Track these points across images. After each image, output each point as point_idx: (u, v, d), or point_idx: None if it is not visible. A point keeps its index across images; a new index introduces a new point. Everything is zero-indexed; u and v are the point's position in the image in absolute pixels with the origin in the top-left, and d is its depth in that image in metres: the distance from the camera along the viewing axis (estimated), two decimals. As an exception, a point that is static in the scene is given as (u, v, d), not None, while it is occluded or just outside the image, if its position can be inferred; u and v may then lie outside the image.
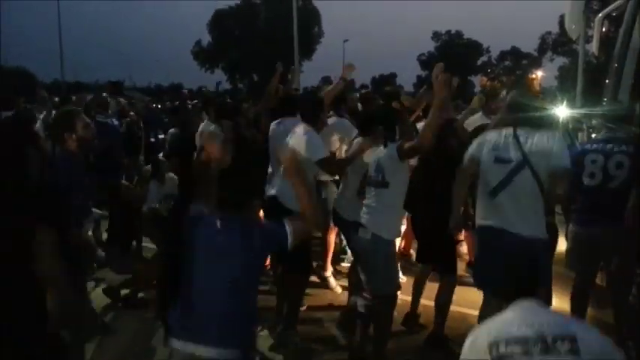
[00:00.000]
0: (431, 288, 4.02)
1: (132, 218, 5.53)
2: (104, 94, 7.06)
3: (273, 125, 4.58)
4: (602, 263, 3.75)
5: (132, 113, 8.19)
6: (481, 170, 3.24)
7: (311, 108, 4.03)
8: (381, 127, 3.47)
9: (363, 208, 3.49)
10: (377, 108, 4.46)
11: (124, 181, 5.97)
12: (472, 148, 3.29)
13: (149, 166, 5.65)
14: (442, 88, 3.15)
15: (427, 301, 4.07)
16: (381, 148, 3.44)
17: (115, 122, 6.57)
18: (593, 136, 3.51)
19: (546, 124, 3.39)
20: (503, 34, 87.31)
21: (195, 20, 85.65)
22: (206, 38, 42.85)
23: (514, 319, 1.92)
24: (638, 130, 3.51)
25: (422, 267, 4.16)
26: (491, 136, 3.25)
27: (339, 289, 4.94)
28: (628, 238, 3.29)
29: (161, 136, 9.22)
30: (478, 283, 3.33)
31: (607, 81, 4.39)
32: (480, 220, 3.25)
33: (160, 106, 14.33)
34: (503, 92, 5.10)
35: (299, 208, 3.53)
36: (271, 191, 4.02)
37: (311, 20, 39.27)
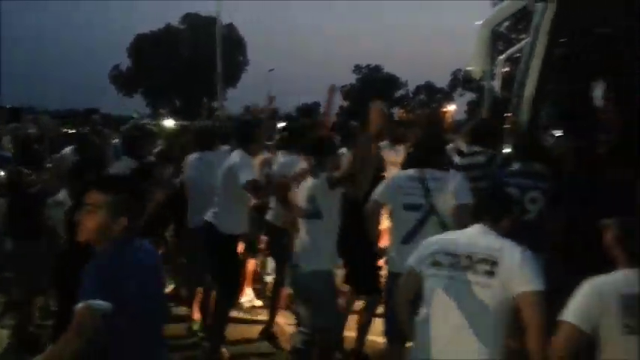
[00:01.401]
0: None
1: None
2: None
3: (192, 158, 4.65)
4: None
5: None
6: (391, 214, 3.33)
7: (241, 135, 4.09)
8: (312, 158, 3.49)
9: (298, 242, 3.47)
10: (307, 139, 4.52)
11: None
12: (378, 192, 3.33)
13: None
14: (376, 119, 3.21)
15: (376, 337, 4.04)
16: (312, 178, 3.44)
17: (7, 154, 5.94)
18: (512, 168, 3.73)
19: (449, 163, 3.64)
20: (418, 70, 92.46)
21: (113, 44, 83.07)
22: (125, 62, 41.60)
23: (462, 237, 2.40)
24: (550, 165, 3.69)
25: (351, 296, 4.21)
26: (397, 179, 3.34)
27: (258, 302, 5.11)
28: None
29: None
30: (388, 332, 3.30)
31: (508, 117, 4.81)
32: (392, 268, 3.27)
33: (68, 131, 13.62)
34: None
35: (234, 232, 3.63)
36: (207, 217, 4.04)
37: (236, 49, 39.36)
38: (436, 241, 2.47)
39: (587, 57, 4.98)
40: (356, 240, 3.77)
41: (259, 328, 4.59)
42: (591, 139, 4.26)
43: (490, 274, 2.20)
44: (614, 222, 2.22)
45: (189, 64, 37.43)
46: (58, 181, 4.33)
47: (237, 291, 4.19)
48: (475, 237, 2.36)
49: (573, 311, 2.04)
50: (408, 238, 3.15)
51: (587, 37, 4.31)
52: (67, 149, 6.23)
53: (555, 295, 2.21)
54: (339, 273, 4.25)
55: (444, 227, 3.03)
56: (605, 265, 2.20)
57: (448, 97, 45.96)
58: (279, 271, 4.62)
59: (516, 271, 2.17)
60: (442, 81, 46.52)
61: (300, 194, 3.49)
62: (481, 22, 4.05)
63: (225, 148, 4.83)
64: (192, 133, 5.20)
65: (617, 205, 3.25)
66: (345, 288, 4.17)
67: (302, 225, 3.46)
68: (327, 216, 3.35)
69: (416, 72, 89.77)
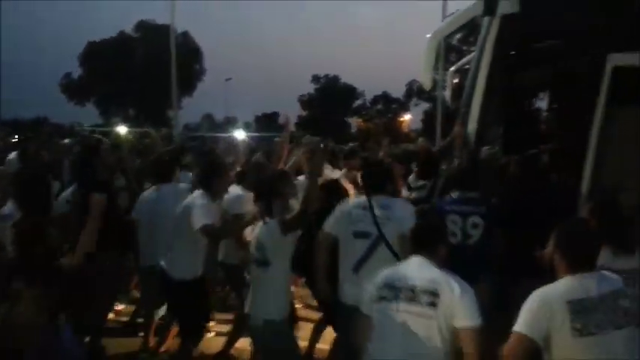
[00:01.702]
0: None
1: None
2: None
3: (148, 193, 4.46)
4: None
5: None
6: (341, 244, 3.30)
7: (205, 175, 3.87)
8: (260, 202, 3.28)
9: (250, 289, 3.34)
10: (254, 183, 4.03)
11: None
12: (328, 224, 3.33)
13: None
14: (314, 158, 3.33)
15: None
16: (260, 224, 3.27)
17: None
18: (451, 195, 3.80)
19: (394, 189, 3.63)
20: (375, 80, 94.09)
21: (64, 51, 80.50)
22: (77, 70, 40.26)
23: (403, 269, 2.49)
24: (487, 191, 3.82)
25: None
26: (346, 208, 3.35)
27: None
28: None
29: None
30: None
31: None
32: (344, 298, 3.24)
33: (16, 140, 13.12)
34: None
35: (185, 278, 3.64)
36: (161, 262, 3.88)
37: (192, 57, 38.82)
38: (380, 276, 2.54)
39: (531, 70, 5.13)
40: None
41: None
42: (534, 148, 4.38)
43: (432, 305, 2.30)
44: (553, 232, 2.29)
45: (144, 72, 36.60)
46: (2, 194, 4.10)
47: (200, 332, 4.02)
48: (416, 269, 2.44)
49: (524, 322, 2.13)
50: (358, 266, 3.17)
51: (531, 51, 4.42)
52: (11, 155, 5.93)
53: (505, 311, 2.29)
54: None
55: (394, 255, 3.06)
56: (548, 274, 2.27)
57: (404, 106, 46.94)
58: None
59: (456, 306, 2.28)
60: (398, 91, 47.29)
61: (250, 240, 3.35)
62: (430, 34, 4.10)
63: (185, 184, 4.62)
64: (150, 162, 4.97)
65: (560, 211, 3.38)
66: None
67: (252, 270, 3.34)
68: (276, 263, 3.15)
69: (372, 82, 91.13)
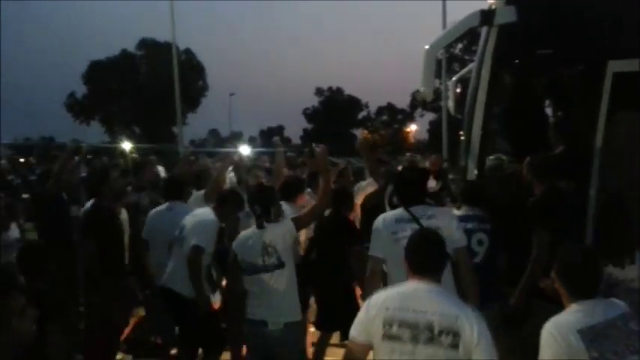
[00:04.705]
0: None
1: None
2: None
3: (160, 209, 4.46)
4: None
5: None
6: (390, 264, 2.99)
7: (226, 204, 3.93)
8: (257, 207, 3.30)
9: (256, 301, 3.27)
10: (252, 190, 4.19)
11: None
12: (375, 248, 3.01)
13: None
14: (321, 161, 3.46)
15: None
16: (255, 230, 3.29)
17: None
18: (455, 212, 3.77)
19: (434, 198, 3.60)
20: (379, 91, 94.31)
21: (67, 71, 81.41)
22: (81, 89, 40.63)
23: (411, 300, 2.12)
24: (490, 208, 3.79)
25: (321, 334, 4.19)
26: (387, 225, 3.01)
27: None
28: None
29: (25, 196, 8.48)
30: None
31: (462, 138, 4.89)
32: None
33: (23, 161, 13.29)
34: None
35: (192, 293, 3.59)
36: (162, 281, 3.89)
37: (195, 74, 39.14)
38: (382, 306, 2.17)
39: (532, 78, 5.12)
40: (327, 271, 3.85)
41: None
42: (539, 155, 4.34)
43: (454, 346, 2.06)
44: (557, 257, 2.25)
45: (148, 89, 36.91)
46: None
47: (223, 343, 4.02)
48: (426, 299, 2.13)
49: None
50: None
51: (531, 59, 4.42)
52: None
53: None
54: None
55: (452, 270, 2.84)
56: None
57: (409, 117, 46.94)
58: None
59: (477, 343, 2.07)
60: (403, 101, 47.30)
61: (251, 249, 3.29)
62: (428, 45, 4.09)
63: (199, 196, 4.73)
64: (164, 181, 5.13)
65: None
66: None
67: (261, 278, 3.25)
68: (288, 264, 3.25)
69: (377, 93, 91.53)
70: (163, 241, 4.27)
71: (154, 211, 4.56)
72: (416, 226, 2.83)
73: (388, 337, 2.09)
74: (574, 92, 4.64)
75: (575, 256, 2.21)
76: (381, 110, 49.37)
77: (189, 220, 3.83)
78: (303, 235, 4.23)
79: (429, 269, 2.21)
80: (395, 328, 2.09)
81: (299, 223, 3.31)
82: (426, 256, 2.24)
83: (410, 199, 3.07)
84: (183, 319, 3.88)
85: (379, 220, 3.07)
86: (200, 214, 3.87)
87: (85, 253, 4.28)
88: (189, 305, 3.75)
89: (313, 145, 4.81)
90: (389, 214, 3.11)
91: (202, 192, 4.83)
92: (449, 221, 3.00)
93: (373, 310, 2.17)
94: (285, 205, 3.95)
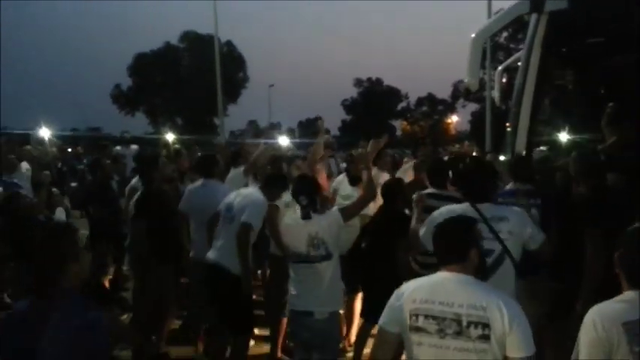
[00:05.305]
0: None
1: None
2: (11, 156, 6.56)
3: (194, 186, 4.58)
4: None
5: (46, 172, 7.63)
6: None
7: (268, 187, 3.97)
8: (302, 198, 3.28)
9: (300, 290, 3.28)
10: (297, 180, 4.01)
11: None
12: (425, 238, 2.83)
13: None
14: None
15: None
16: (299, 220, 3.28)
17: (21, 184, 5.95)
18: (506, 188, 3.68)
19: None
20: (419, 81, 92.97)
21: (113, 63, 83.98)
22: (126, 81, 41.86)
23: (438, 291, 2.07)
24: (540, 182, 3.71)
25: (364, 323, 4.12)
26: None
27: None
28: None
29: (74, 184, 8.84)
30: None
31: (508, 128, 4.79)
32: None
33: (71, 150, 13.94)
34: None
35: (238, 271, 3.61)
36: (210, 257, 3.89)
37: (236, 66, 39.61)
38: (409, 297, 2.13)
39: (581, 66, 4.94)
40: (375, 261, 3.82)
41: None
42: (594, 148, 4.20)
43: (485, 337, 1.99)
44: (618, 241, 2.14)
45: (190, 81, 37.65)
46: None
47: (251, 327, 4.07)
48: (454, 289, 2.06)
49: (586, 350, 1.96)
50: None
51: (581, 47, 4.27)
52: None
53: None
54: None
55: (515, 269, 2.76)
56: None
57: (450, 108, 46.02)
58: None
59: (509, 334, 1.99)
60: (444, 92, 46.40)
61: (295, 239, 3.31)
62: (474, 34, 4.01)
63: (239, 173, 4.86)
64: (195, 160, 5.20)
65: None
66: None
67: (309, 268, 3.26)
68: (335, 255, 3.29)
69: (416, 84, 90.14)
70: (196, 217, 4.41)
71: (189, 187, 4.73)
72: (487, 228, 2.69)
73: (415, 329, 2.08)
74: (626, 82, 4.46)
75: (636, 243, 2.06)
76: (421, 101, 48.59)
77: (237, 200, 3.87)
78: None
79: (453, 259, 2.12)
80: (421, 321, 2.07)
81: (346, 214, 3.33)
82: (446, 247, 2.17)
83: (477, 196, 2.86)
84: (224, 296, 3.87)
85: (435, 216, 2.87)
86: (249, 193, 3.91)
87: (135, 237, 4.44)
88: (234, 282, 3.75)
89: (319, 122, 5.02)
90: (449, 210, 2.87)
91: (241, 169, 4.94)
92: (522, 225, 2.83)
93: (401, 300, 2.15)
94: None
